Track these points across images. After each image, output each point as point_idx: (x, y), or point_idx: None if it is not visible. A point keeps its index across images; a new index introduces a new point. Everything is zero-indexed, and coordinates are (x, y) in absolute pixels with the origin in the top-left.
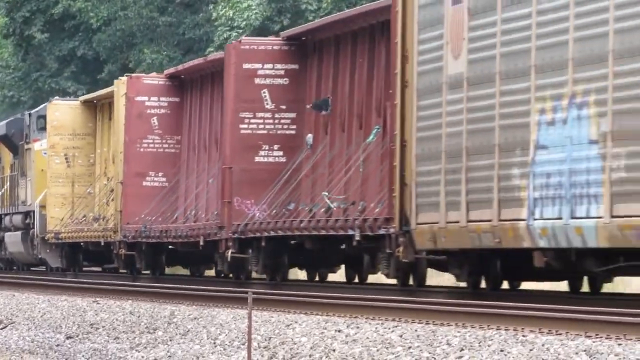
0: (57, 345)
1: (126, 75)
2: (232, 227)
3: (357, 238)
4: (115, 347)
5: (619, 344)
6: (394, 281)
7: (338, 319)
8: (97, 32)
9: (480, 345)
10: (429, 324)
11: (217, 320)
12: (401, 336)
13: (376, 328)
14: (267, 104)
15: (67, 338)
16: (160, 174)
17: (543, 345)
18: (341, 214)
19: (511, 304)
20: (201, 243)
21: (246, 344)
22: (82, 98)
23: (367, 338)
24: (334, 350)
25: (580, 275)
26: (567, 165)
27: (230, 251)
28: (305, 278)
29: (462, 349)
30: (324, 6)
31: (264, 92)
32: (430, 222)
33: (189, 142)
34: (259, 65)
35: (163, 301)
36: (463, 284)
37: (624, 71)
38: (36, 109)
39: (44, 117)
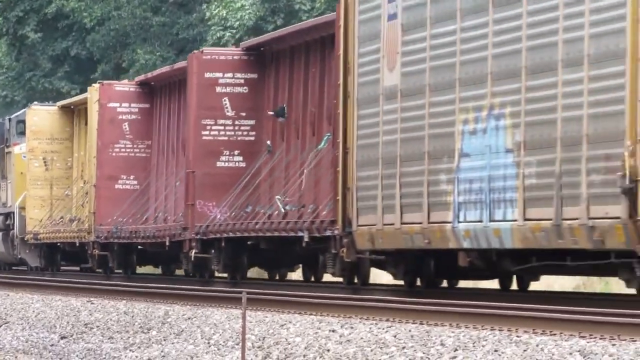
0: (51, 345)
1: (98, 82)
2: (195, 228)
3: (306, 239)
4: (110, 347)
5: (613, 344)
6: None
7: (332, 319)
8: (91, 32)
9: (474, 346)
10: (422, 324)
11: (211, 320)
12: (395, 336)
13: (370, 328)
14: (228, 111)
15: (61, 338)
16: (131, 177)
17: (537, 345)
18: (295, 216)
19: (505, 304)
20: (167, 243)
21: (240, 343)
22: (59, 103)
23: (361, 338)
24: (328, 350)
25: (507, 275)
26: (486, 172)
27: (193, 251)
28: (265, 277)
29: (456, 349)
30: (317, 6)
31: (225, 100)
32: (369, 225)
33: (158, 147)
34: (220, 75)
35: (157, 301)
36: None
37: (535, 86)
38: (16, 114)
39: (23, 121)
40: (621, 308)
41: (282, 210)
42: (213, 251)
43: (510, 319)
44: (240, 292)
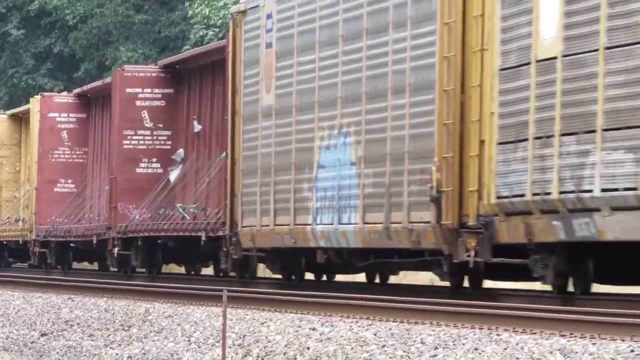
0: (32, 342)
1: (40, 95)
2: (117, 228)
3: (204, 238)
4: (90, 344)
5: (593, 343)
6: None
7: (312, 317)
8: (73, 30)
9: (454, 344)
10: (403, 322)
11: (191, 318)
12: (375, 334)
13: (350, 326)
14: (147, 122)
15: (42, 335)
16: (69, 181)
17: (517, 344)
18: (200, 218)
19: (486, 303)
20: (94, 241)
21: (220, 341)
22: (9, 112)
23: (342, 336)
24: (308, 349)
25: (376, 270)
26: (337, 182)
27: (116, 249)
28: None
29: (436, 348)
30: None
31: (144, 113)
32: (251, 226)
33: (93, 153)
34: (140, 90)
35: (138, 299)
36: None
37: (371, 109)
38: None
39: None
40: (601, 307)
41: (183, 215)
42: (132, 249)
43: (491, 317)
44: (221, 290)
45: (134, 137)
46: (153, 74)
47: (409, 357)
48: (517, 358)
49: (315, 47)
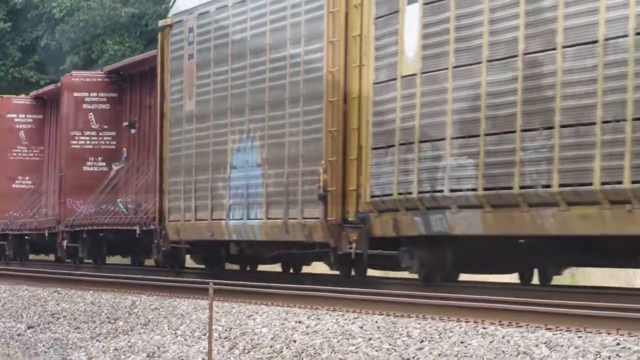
0: (18, 335)
1: None
2: (65, 222)
3: (138, 232)
4: (76, 336)
5: (579, 337)
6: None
7: (299, 310)
8: (60, 23)
9: (440, 337)
10: (389, 315)
11: (178, 310)
12: (362, 327)
13: (337, 319)
14: (93, 124)
15: (28, 328)
16: (27, 178)
17: (503, 337)
18: (137, 213)
19: (471, 296)
20: (46, 234)
21: (207, 334)
22: None
23: (328, 329)
24: (294, 341)
25: (283, 261)
26: (246, 181)
27: (65, 241)
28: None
29: (422, 341)
30: None
31: (90, 115)
32: (176, 220)
33: (48, 152)
34: (86, 94)
35: (124, 291)
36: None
37: (273, 116)
38: None
39: None
40: (587, 300)
41: (123, 210)
42: (79, 241)
43: (476, 310)
44: (207, 283)
45: (81, 138)
46: (99, 79)
47: (395, 350)
48: (503, 351)
49: (228, 60)
